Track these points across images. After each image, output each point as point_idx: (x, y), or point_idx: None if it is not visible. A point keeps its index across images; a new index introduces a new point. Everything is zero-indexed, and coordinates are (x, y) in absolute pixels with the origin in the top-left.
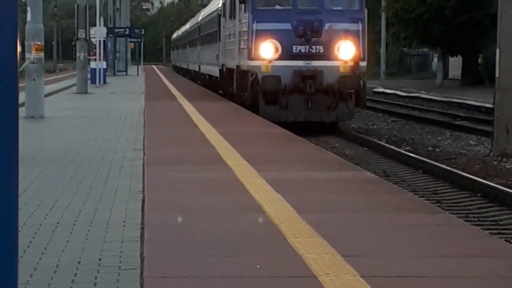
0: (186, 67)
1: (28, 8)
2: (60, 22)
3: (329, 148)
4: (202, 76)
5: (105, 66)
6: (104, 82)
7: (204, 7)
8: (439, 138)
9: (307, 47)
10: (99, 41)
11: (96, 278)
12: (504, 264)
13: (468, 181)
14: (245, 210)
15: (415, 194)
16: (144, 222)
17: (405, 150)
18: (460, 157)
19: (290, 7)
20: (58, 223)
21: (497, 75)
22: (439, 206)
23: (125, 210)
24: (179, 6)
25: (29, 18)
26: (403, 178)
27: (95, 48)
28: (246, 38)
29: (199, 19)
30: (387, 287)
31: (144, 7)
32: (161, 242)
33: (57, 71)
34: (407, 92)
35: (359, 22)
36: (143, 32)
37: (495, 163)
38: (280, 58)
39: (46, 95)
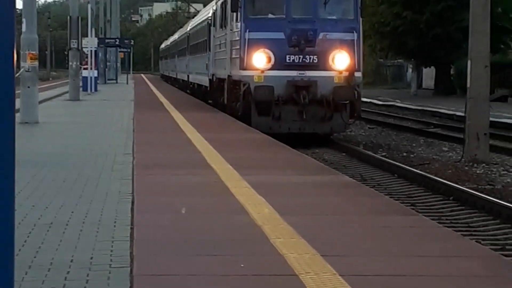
0: (174, 76)
1: (23, 19)
2: (54, 33)
3: (309, 153)
4: (191, 85)
5: (96, 75)
6: (95, 89)
7: (193, 17)
8: (414, 144)
9: (301, 57)
10: (91, 51)
11: (88, 275)
12: (475, 264)
13: (441, 185)
14: (229, 212)
15: (390, 197)
16: (133, 222)
17: (381, 156)
18: (433, 163)
19: (284, 16)
20: (51, 223)
21: (468, 85)
22: (413, 209)
23: (115, 211)
24: (166, 18)
25: (24, 28)
26: (379, 182)
27: (87, 57)
28: (238, 47)
29: (188, 29)
30: (365, 285)
31: (133, 19)
32: (150, 242)
33: (50, 79)
34: (383, 101)
35: (354, 32)
36: (132, 43)
37: (466, 168)
38: (273, 68)
39: (40, 102)
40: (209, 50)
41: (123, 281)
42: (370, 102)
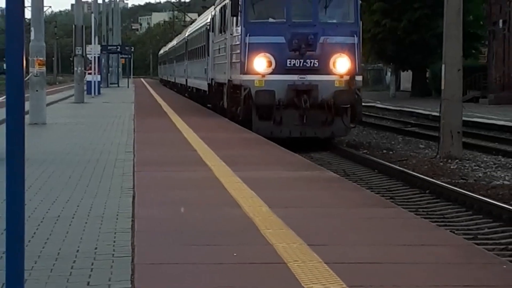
0: (173, 80)
1: (32, 28)
2: (60, 40)
3: (295, 151)
4: (189, 90)
5: (99, 79)
6: (99, 93)
7: (191, 24)
8: (392, 142)
9: (302, 61)
10: (94, 57)
11: (92, 264)
12: (449, 252)
13: (417, 179)
14: (223, 205)
15: (371, 191)
16: (134, 215)
17: (363, 153)
18: (410, 159)
19: (284, 20)
20: (59, 216)
21: (442, 87)
22: (392, 202)
23: (117, 205)
24: (164, 27)
25: (32, 36)
26: (361, 177)
27: (91, 63)
28: (238, 51)
29: (186, 35)
30: (349, 272)
31: (133, 27)
32: (150, 233)
33: (57, 83)
34: (364, 102)
35: (355, 36)
36: (132, 49)
37: (441, 164)
38: (274, 72)
39: (48, 104)
40: (208, 55)
41: (125, 269)
42: None
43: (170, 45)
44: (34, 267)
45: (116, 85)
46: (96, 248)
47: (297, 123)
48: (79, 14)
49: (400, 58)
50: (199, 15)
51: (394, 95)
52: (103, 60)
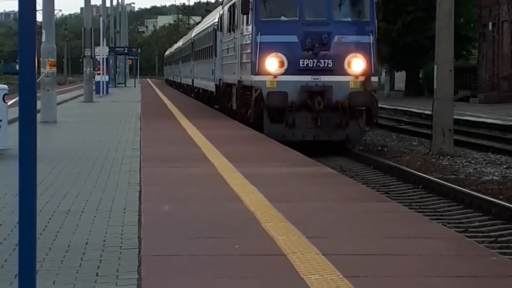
0: (179, 81)
1: (43, 31)
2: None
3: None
4: (196, 90)
5: (107, 79)
6: (107, 92)
7: (197, 25)
8: (387, 139)
9: (315, 61)
10: (103, 58)
11: (101, 256)
12: (441, 244)
13: (411, 175)
14: (226, 200)
15: (367, 186)
16: (141, 209)
17: (359, 150)
18: (404, 155)
19: (297, 18)
20: (69, 210)
21: (435, 87)
22: (387, 196)
23: (125, 200)
24: (169, 29)
25: (44, 39)
26: (357, 173)
27: (99, 64)
28: (249, 51)
29: (192, 36)
30: (345, 263)
31: (140, 30)
32: (156, 226)
33: (67, 83)
34: None
35: (370, 35)
36: (139, 51)
37: (434, 160)
38: (286, 72)
39: (58, 103)
40: (215, 56)
41: (132, 261)
42: None
43: (176, 46)
44: (46, 259)
45: (124, 85)
46: (104, 241)
47: (310, 126)
48: (88, 17)
49: (394, 59)
50: (202, 18)
51: (388, 95)
52: (111, 61)
